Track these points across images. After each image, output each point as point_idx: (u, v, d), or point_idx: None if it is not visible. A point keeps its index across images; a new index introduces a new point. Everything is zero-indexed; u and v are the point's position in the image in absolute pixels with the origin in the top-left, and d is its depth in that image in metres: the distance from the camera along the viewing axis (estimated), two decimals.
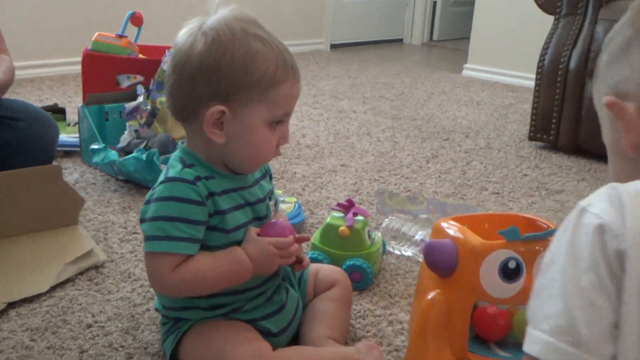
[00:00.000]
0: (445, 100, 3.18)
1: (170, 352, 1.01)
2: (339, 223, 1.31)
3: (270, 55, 0.93)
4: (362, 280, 1.29)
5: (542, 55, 2.34)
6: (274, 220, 1.04)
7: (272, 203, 1.09)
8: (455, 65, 4.16)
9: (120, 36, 2.21)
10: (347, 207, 1.36)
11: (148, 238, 0.93)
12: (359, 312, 1.22)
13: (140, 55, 2.23)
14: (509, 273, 0.90)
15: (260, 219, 1.03)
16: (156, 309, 1.09)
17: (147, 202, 0.96)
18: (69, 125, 2.22)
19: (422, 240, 1.47)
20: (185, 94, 0.95)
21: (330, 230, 1.32)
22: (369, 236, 1.35)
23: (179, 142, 1.04)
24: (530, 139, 2.41)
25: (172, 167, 0.98)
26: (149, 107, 1.82)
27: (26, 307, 1.19)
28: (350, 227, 1.30)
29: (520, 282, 0.91)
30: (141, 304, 1.21)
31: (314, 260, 1.28)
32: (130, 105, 1.81)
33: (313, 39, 4.73)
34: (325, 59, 4.38)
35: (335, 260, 1.29)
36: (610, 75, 0.71)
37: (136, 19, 2.28)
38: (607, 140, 0.77)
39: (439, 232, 0.99)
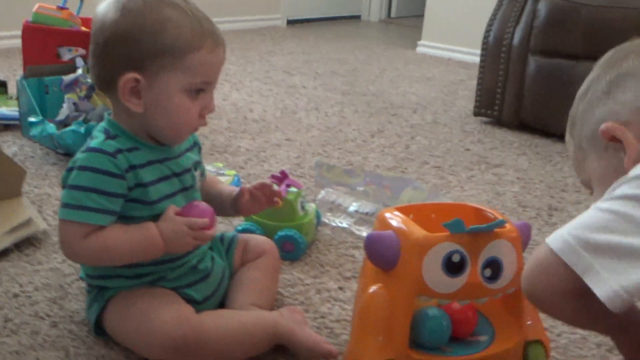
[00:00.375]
0: (397, 77, 3.21)
1: (95, 319, 1.02)
2: None
3: (184, 21, 0.93)
4: (294, 251, 1.31)
5: (487, 31, 2.39)
6: (197, 202, 1.04)
7: (197, 173, 1.09)
8: (410, 42, 4.18)
9: (62, 8, 2.18)
10: (281, 178, 1.38)
11: (62, 205, 0.94)
12: (288, 281, 1.25)
13: (83, 28, 2.19)
14: (453, 267, 0.87)
15: (187, 189, 1.05)
16: (80, 278, 1.10)
17: (69, 170, 0.96)
18: (10, 98, 2.19)
19: (356, 212, 1.50)
20: (101, 63, 0.96)
21: None
22: (302, 207, 1.37)
23: (106, 113, 1.04)
24: (475, 114, 2.46)
25: (95, 137, 0.99)
26: (88, 80, 1.81)
27: None
28: (282, 199, 1.32)
29: (464, 276, 0.87)
30: (70, 275, 1.22)
31: (246, 230, 1.31)
32: (68, 77, 1.79)
33: (269, 15, 4.72)
34: (281, 34, 4.37)
35: (268, 231, 1.31)
36: (595, 115, 0.79)
37: None
38: (595, 175, 0.82)
39: (382, 222, 0.96)
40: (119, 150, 0.96)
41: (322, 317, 1.14)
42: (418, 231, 0.88)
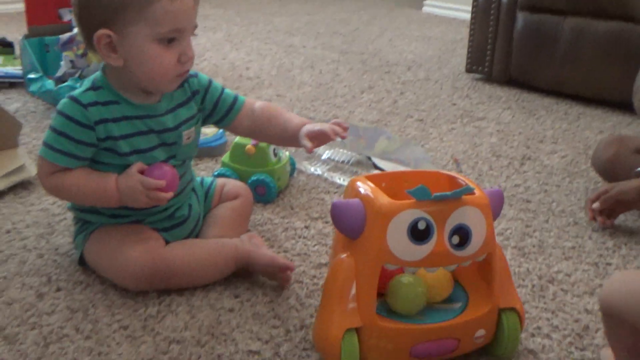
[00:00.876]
0: (397, 36, 3.27)
1: (80, 251, 1.14)
2: (246, 142, 1.43)
3: None
4: (265, 194, 1.42)
5: None
6: (161, 163, 1.08)
7: (187, 132, 1.13)
8: (417, 2, 4.22)
9: None
10: None
11: (42, 143, 1.05)
12: (258, 220, 1.36)
13: None
14: (419, 234, 0.85)
15: (169, 145, 1.10)
16: (68, 208, 1.21)
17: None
18: (15, 58, 2.31)
19: (330, 159, 1.59)
20: (79, 23, 1.04)
21: (237, 149, 1.44)
22: (275, 154, 1.47)
23: (100, 66, 1.10)
24: (467, 70, 2.52)
25: (83, 84, 1.07)
26: None
27: None
28: (255, 146, 1.42)
29: (431, 243, 0.86)
30: (58, 214, 1.34)
31: (222, 175, 1.41)
32: (64, 36, 1.89)
33: None
34: None
35: (242, 176, 1.41)
36: None
37: None
38: None
39: (351, 190, 0.95)
40: (94, 103, 1.03)
41: (285, 251, 1.25)
42: (382, 198, 0.87)
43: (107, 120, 1.04)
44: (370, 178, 0.96)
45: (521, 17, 2.32)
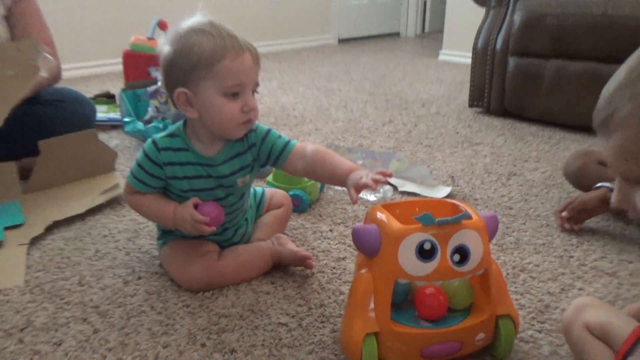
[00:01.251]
0: (416, 80, 3.31)
1: (159, 251, 1.22)
2: None
3: (206, 41, 1.00)
4: (300, 205, 1.49)
5: (476, 39, 2.46)
6: (214, 203, 1.09)
7: (242, 179, 1.14)
8: (434, 52, 4.25)
9: (150, 38, 2.38)
10: None
11: (130, 169, 1.13)
12: (294, 225, 1.42)
13: None
14: (425, 253, 0.86)
15: (226, 187, 1.13)
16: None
17: None
18: (116, 107, 2.45)
19: None
20: (164, 84, 1.08)
21: (279, 171, 1.52)
22: None
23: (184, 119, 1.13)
24: (470, 105, 2.55)
25: (167, 130, 1.12)
26: None
27: (68, 226, 1.42)
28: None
29: (435, 261, 0.86)
30: (143, 223, 1.43)
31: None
32: (151, 88, 2.00)
33: (323, 35, 4.86)
34: (332, 51, 4.51)
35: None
36: None
37: (162, 25, 2.42)
38: None
39: (370, 216, 0.94)
40: (167, 148, 1.08)
41: (313, 248, 1.31)
42: (394, 224, 0.87)
43: (175, 164, 1.09)
44: (386, 206, 0.95)
45: (512, 61, 2.35)
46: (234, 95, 1.03)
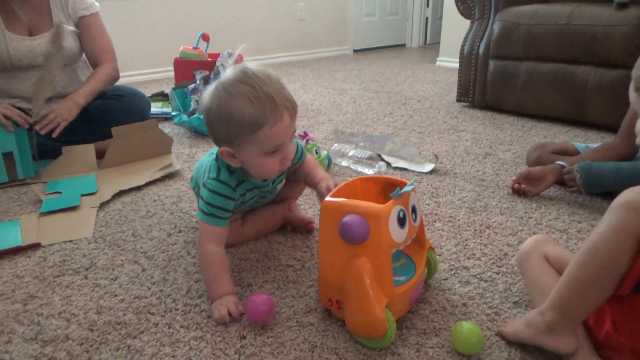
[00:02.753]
0: (416, 81, 3.29)
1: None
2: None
3: (246, 108, 0.85)
4: None
5: (462, 46, 2.44)
6: (265, 297, 0.88)
7: (280, 184, 1.14)
8: (433, 59, 4.22)
9: (195, 48, 2.43)
10: (303, 136, 1.59)
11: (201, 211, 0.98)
12: (305, 192, 1.43)
13: (208, 59, 2.44)
14: (401, 221, 0.83)
15: (270, 193, 1.12)
16: (191, 188, 1.25)
17: (204, 185, 0.98)
18: (169, 103, 2.50)
19: (354, 155, 1.67)
20: (210, 134, 0.96)
21: None
22: (317, 152, 1.57)
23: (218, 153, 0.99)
24: (457, 100, 2.53)
25: (221, 170, 0.98)
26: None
27: (127, 193, 1.48)
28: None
29: (407, 225, 0.84)
30: (185, 191, 1.48)
31: None
32: (191, 86, 2.06)
33: (340, 46, 4.84)
34: (347, 59, 4.48)
35: None
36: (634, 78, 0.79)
37: (205, 37, 2.48)
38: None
39: (336, 210, 0.82)
40: (238, 184, 1.00)
41: (319, 210, 1.35)
42: (378, 207, 0.80)
43: (245, 193, 1.04)
44: (334, 195, 0.87)
45: (492, 63, 2.32)
46: (274, 152, 0.92)
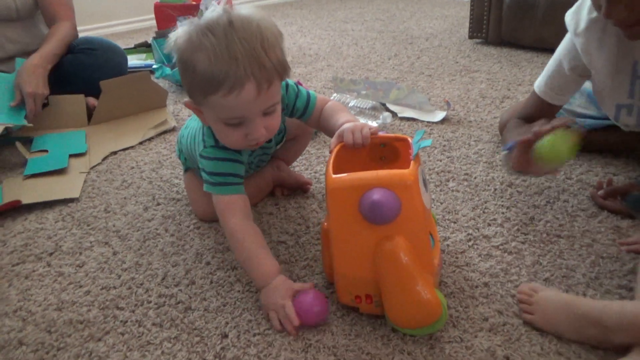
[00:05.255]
0: (423, 17, 3.04)
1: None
2: None
3: (203, 63, 0.69)
4: None
5: None
6: (317, 294, 0.74)
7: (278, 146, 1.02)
8: None
9: None
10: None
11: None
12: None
13: (193, 2, 2.24)
14: (425, 182, 0.72)
15: (270, 150, 1.00)
16: (177, 156, 1.10)
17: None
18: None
19: (355, 105, 1.50)
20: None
21: None
22: None
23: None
24: (470, 37, 2.30)
25: (207, 137, 0.84)
26: None
27: (122, 152, 1.36)
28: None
29: (427, 185, 0.74)
30: (166, 155, 1.33)
31: None
32: (172, 34, 1.86)
33: None
34: None
35: None
36: None
37: None
38: None
39: (344, 190, 0.67)
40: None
41: (315, 172, 1.20)
42: (402, 173, 0.67)
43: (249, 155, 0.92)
44: (335, 169, 0.71)
45: None
46: (236, 125, 0.75)
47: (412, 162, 0.69)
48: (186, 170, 1.08)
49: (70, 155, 1.31)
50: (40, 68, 1.39)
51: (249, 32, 0.70)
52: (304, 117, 0.92)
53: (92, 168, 1.29)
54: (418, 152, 0.71)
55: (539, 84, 1.09)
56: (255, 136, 0.76)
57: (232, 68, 0.69)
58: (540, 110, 1.06)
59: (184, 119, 1.59)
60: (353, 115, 0.86)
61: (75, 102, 1.51)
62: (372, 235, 0.67)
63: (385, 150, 0.80)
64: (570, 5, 1.88)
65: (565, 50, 1.02)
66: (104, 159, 1.33)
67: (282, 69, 0.73)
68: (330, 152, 0.76)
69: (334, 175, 0.69)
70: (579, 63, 0.98)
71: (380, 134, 0.79)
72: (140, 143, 1.42)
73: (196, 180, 1.03)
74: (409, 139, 0.76)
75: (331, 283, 0.80)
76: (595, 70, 0.96)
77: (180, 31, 0.75)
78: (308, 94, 0.92)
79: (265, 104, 0.74)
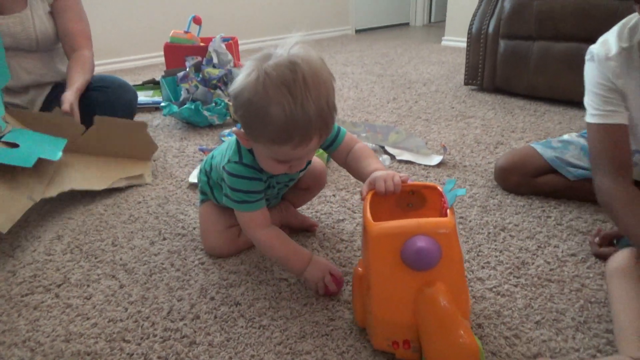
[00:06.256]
0: (420, 62, 3.15)
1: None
2: None
3: (278, 121, 0.72)
4: None
5: (470, 24, 2.30)
6: (338, 278, 0.90)
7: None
8: (438, 38, 4.06)
9: (187, 32, 2.30)
10: None
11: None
12: None
13: (201, 44, 2.31)
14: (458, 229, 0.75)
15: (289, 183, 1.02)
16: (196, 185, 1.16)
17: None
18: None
19: None
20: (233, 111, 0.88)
21: None
22: None
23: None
24: (465, 84, 2.39)
25: (243, 152, 0.88)
26: (200, 76, 1.96)
27: (107, 193, 1.37)
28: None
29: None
30: (172, 191, 1.38)
31: None
32: (180, 74, 1.93)
33: (342, 26, 4.68)
34: (349, 40, 4.34)
35: None
36: None
37: (197, 20, 2.35)
38: None
39: (388, 237, 0.69)
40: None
41: (316, 211, 1.24)
42: (443, 222, 0.69)
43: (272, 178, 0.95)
44: (375, 221, 0.71)
45: (502, 43, 2.19)
46: (285, 161, 0.81)
47: (449, 211, 0.71)
48: (202, 201, 1.09)
49: (40, 158, 1.20)
50: (73, 99, 1.42)
51: (319, 91, 0.73)
52: (330, 149, 0.95)
53: (87, 205, 1.28)
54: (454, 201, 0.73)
55: (591, 116, 0.99)
56: (298, 169, 0.84)
57: (306, 128, 0.73)
58: (614, 143, 0.95)
59: (189, 156, 1.64)
60: (380, 162, 0.91)
61: (74, 128, 1.38)
62: (413, 281, 0.69)
63: (413, 198, 0.81)
64: (562, 57, 1.98)
65: (594, 79, 1.01)
66: (96, 197, 1.31)
67: (331, 117, 0.77)
68: (362, 198, 0.79)
69: (375, 223, 0.70)
70: (612, 86, 0.97)
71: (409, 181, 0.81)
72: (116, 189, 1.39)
73: (213, 213, 1.05)
74: (438, 187, 0.79)
75: (362, 328, 0.81)
76: (629, 90, 0.94)
77: (249, 69, 0.75)
78: (338, 128, 0.95)
79: (316, 148, 0.80)
